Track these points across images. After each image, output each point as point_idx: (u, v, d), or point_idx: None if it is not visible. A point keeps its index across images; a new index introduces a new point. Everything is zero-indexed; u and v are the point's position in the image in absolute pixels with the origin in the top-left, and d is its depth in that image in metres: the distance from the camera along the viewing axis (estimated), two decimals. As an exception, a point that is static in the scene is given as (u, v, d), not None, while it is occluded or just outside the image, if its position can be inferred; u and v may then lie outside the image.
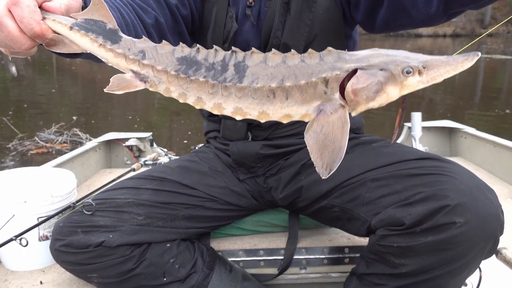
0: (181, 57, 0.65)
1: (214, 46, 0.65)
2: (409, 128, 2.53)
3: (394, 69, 0.60)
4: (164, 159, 2.12)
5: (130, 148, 2.43)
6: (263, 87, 0.63)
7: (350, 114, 0.65)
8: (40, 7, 0.69)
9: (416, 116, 2.45)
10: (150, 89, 0.69)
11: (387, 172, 1.04)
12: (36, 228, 1.26)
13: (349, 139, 1.23)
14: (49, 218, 1.24)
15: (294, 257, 1.32)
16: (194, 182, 1.24)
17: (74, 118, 5.65)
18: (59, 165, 1.99)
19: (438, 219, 0.90)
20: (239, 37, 1.20)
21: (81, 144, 4.62)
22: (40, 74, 12.35)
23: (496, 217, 0.92)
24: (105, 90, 0.69)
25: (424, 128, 2.50)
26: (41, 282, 1.26)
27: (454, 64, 0.60)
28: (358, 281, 1.09)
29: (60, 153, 4.51)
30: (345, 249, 1.34)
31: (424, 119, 2.52)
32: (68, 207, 1.17)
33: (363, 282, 1.07)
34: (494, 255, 1.15)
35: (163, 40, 0.68)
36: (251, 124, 1.24)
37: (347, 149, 1.19)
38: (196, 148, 1.53)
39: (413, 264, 0.95)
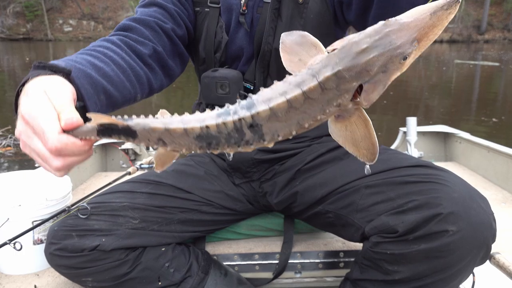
0: (197, 136, 0.66)
1: (220, 120, 0.63)
2: (404, 132, 2.54)
3: (393, 66, 0.60)
4: (160, 163, 2.11)
5: (126, 151, 2.43)
6: (285, 136, 0.64)
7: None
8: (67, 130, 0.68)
9: (411, 121, 2.46)
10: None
11: (381, 179, 1.04)
12: (31, 232, 1.25)
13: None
14: (44, 221, 1.24)
15: (289, 261, 1.32)
16: (190, 186, 1.25)
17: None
18: (55, 169, 1.98)
19: (431, 227, 0.91)
20: (232, 45, 1.21)
21: (26, 148, 4.62)
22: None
23: (488, 226, 0.92)
24: (157, 170, 0.73)
25: (419, 133, 2.51)
26: (35, 286, 1.26)
27: (440, 23, 0.59)
28: (352, 287, 1.09)
29: (3, 156, 4.50)
30: (340, 254, 1.34)
31: (419, 123, 2.53)
32: (63, 211, 1.17)
33: None
34: (487, 260, 1.16)
35: (171, 120, 0.66)
36: None
37: (341, 155, 1.21)
38: (192, 151, 1.53)
39: (406, 271, 0.96)
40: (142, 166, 2.01)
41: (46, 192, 1.32)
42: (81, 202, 1.17)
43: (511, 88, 11.04)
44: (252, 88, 1.21)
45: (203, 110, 1.27)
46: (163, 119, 0.66)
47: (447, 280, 0.95)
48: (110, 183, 1.45)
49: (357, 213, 1.06)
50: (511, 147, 2.17)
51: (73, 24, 38.94)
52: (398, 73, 0.61)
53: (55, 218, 1.22)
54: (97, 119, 0.68)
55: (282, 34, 0.66)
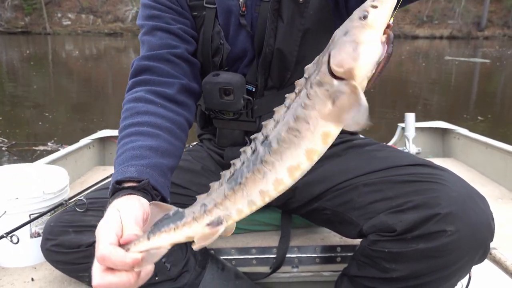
0: (228, 180, 0.72)
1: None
2: (403, 128, 2.55)
3: (352, 25, 0.59)
4: (158, 157, 2.11)
5: (124, 145, 2.42)
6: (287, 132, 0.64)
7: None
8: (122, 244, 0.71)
9: (410, 117, 2.46)
10: (228, 228, 0.74)
11: (379, 177, 1.04)
12: (28, 225, 1.25)
13: (343, 142, 1.24)
14: (41, 215, 1.24)
15: (287, 255, 1.32)
16: (187, 182, 1.24)
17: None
18: (52, 162, 1.98)
19: (429, 227, 0.91)
20: (234, 48, 1.16)
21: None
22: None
23: (487, 226, 0.93)
24: (194, 247, 0.72)
25: (417, 128, 2.51)
26: (32, 279, 1.26)
27: None
28: (350, 283, 1.10)
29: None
30: (337, 248, 1.34)
31: (417, 120, 2.53)
32: (60, 204, 1.17)
33: (354, 284, 1.08)
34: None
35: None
36: (248, 131, 1.23)
37: (339, 151, 1.20)
38: (190, 146, 1.53)
39: (403, 269, 0.96)
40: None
41: (44, 185, 1.32)
42: (78, 196, 1.17)
43: (501, 86, 11.05)
44: (254, 90, 1.18)
45: (201, 112, 1.27)
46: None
47: (445, 279, 0.95)
48: (108, 177, 1.44)
49: (354, 211, 1.06)
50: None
51: (72, 17, 38.73)
52: (366, 31, 0.58)
53: (53, 211, 1.22)
54: (155, 212, 0.74)
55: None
